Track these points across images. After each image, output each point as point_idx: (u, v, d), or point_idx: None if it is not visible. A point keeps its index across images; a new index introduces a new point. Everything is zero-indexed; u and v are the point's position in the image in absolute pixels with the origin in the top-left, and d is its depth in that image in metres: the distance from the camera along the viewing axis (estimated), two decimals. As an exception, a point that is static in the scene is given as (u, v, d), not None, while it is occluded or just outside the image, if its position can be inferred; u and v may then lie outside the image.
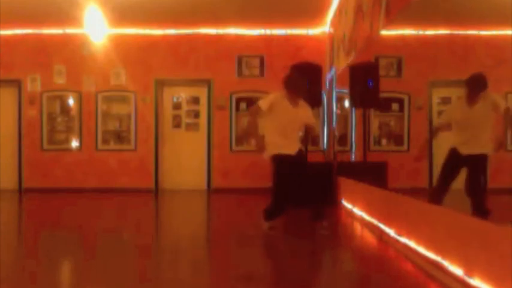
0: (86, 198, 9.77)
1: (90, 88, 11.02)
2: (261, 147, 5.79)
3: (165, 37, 10.96)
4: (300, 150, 5.92)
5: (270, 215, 5.87)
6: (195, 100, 11.27)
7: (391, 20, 5.55)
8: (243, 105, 10.88)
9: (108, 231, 6.22)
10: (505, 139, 4.68)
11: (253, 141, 6.03)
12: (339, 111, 9.78)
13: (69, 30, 10.83)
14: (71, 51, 10.90)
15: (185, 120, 11.25)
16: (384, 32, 6.01)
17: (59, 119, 11.22)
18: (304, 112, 5.94)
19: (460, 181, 4.82)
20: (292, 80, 5.90)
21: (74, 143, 11.11)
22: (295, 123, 5.90)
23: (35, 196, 10.24)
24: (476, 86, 4.52)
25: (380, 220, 5.42)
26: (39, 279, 3.91)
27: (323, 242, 5.43)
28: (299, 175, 5.79)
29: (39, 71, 11.03)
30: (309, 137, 6.84)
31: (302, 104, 5.96)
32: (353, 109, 8.63)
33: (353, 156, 8.62)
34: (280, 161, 5.79)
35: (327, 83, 10.33)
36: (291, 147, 5.82)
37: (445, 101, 5.95)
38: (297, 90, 5.84)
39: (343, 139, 9.36)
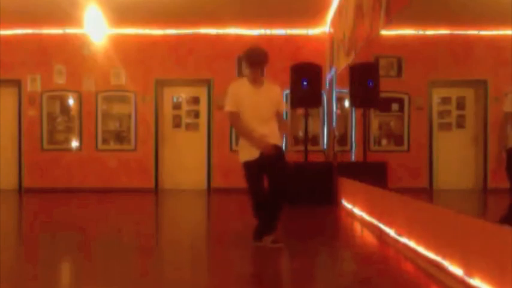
0: (85, 198, 9.77)
1: (90, 88, 11.02)
2: (260, 143, 4.80)
3: (165, 37, 10.95)
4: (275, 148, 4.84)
5: (258, 230, 4.97)
6: (195, 100, 11.27)
7: (391, 19, 5.55)
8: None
9: (108, 231, 6.21)
10: None
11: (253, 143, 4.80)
12: (339, 111, 9.77)
13: (69, 30, 10.82)
14: (71, 51, 10.89)
15: (185, 120, 11.25)
16: (384, 32, 6.01)
17: (59, 119, 11.22)
18: (271, 93, 4.98)
19: (459, 181, 4.81)
20: (250, 52, 4.97)
21: (74, 143, 11.11)
22: (263, 109, 4.88)
23: (35, 196, 10.23)
24: None
25: (380, 220, 5.42)
26: (39, 279, 3.91)
27: (323, 242, 5.43)
28: (273, 176, 4.84)
29: (39, 71, 11.03)
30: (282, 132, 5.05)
31: (267, 84, 5.07)
32: (353, 109, 8.64)
33: (353, 156, 8.63)
34: (247, 169, 4.95)
35: (327, 83, 10.33)
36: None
37: (445, 101, 5.95)
38: (257, 60, 4.97)
39: (343, 139, 9.36)
